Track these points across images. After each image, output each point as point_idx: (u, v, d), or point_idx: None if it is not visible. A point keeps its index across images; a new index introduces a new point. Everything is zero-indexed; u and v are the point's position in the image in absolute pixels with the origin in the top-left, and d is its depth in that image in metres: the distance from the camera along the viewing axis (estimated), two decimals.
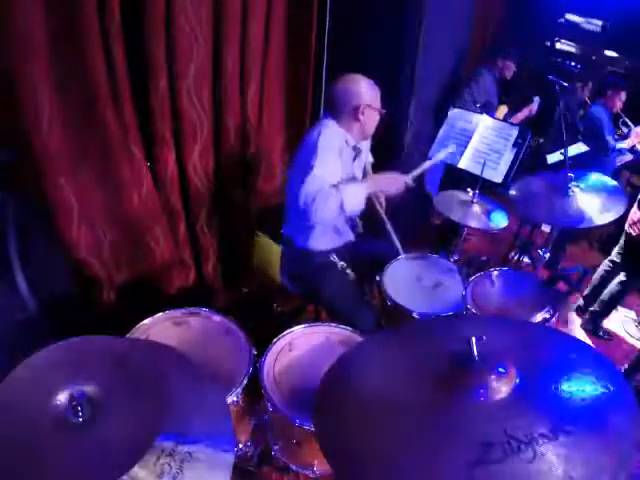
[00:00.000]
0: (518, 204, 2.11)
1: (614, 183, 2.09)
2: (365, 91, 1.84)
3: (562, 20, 4.72)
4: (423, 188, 3.57)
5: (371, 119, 1.90)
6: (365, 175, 2.18)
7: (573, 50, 4.83)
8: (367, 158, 2.19)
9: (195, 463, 0.94)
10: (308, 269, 2.04)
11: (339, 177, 1.79)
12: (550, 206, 2.03)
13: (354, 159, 2.00)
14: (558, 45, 4.87)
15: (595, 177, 2.12)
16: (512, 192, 2.15)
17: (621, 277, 2.79)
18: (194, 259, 2.44)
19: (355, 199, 1.79)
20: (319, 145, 1.75)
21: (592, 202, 2.01)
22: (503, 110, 3.74)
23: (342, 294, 2.00)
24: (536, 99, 3.80)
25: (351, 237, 2.11)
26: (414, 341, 1.15)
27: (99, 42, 1.64)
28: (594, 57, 4.80)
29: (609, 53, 4.78)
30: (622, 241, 2.74)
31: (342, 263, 2.07)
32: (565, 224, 2.14)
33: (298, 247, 2.02)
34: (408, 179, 2.02)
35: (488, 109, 3.24)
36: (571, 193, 2.02)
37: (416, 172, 2.10)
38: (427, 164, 2.19)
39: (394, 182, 1.98)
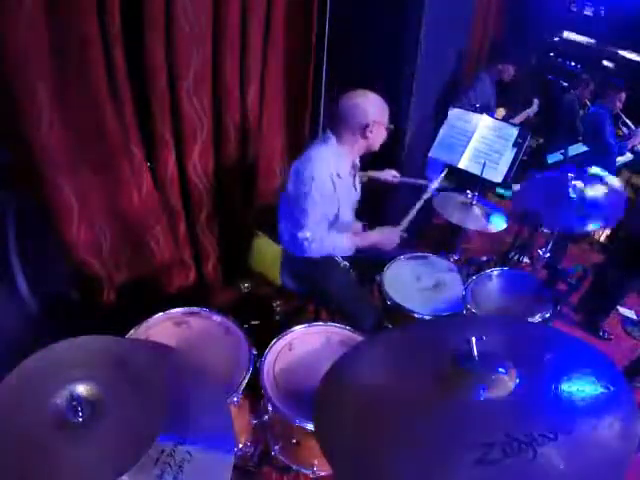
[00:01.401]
0: (517, 207, 2.12)
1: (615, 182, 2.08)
2: (374, 109, 1.83)
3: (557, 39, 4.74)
4: (422, 189, 3.57)
5: (379, 136, 1.90)
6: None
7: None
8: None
9: (195, 463, 0.94)
10: (309, 268, 2.04)
11: (332, 212, 1.92)
12: (551, 210, 2.03)
13: (354, 175, 2.03)
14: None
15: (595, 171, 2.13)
16: (514, 189, 2.15)
17: (621, 277, 2.79)
18: (194, 259, 2.44)
19: (344, 249, 1.98)
20: (313, 187, 1.80)
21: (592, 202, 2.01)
22: (501, 112, 3.74)
23: (344, 292, 2.01)
24: (535, 101, 3.80)
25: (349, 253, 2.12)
26: (414, 341, 1.15)
27: (99, 42, 1.64)
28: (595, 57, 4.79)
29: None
30: (622, 241, 2.74)
31: (344, 262, 2.07)
32: (566, 227, 2.14)
33: (295, 256, 2.04)
34: (401, 230, 2.06)
35: (486, 110, 3.24)
36: (572, 194, 2.02)
37: (407, 218, 2.11)
38: (418, 206, 2.18)
39: (387, 239, 2.04)
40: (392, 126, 1.93)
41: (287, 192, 1.95)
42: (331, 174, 1.84)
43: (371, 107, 1.82)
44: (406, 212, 2.16)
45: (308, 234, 1.85)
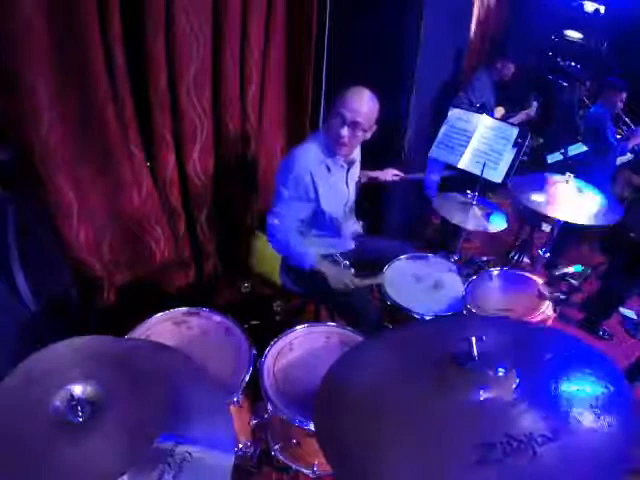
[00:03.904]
0: (516, 202, 2.11)
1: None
2: (344, 98, 1.78)
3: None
4: (422, 189, 3.58)
5: (333, 124, 1.82)
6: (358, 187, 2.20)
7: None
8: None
9: (195, 463, 0.94)
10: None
11: (311, 206, 1.92)
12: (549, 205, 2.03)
13: (347, 171, 2.03)
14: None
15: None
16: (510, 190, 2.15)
17: (623, 281, 2.78)
18: (194, 259, 2.44)
19: (301, 255, 1.91)
20: (289, 177, 1.82)
21: (590, 202, 2.02)
22: (500, 112, 3.74)
23: (344, 292, 2.00)
24: (534, 103, 3.80)
25: (348, 246, 2.12)
26: (414, 341, 1.15)
27: (99, 42, 1.64)
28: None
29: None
30: (622, 243, 2.74)
31: (344, 261, 2.07)
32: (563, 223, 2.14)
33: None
34: (351, 279, 1.90)
35: (486, 110, 3.25)
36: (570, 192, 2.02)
37: (365, 282, 1.94)
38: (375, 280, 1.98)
39: (337, 278, 1.90)
40: (346, 124, 1.80)
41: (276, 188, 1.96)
42: (310, 168, 1.85)
43: (343, 97, 1.78)
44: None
45: (276, 221, 1.88)
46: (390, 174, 2.34)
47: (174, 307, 1.68)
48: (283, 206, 1.87)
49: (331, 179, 1.94)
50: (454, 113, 2.94)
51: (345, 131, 1.81)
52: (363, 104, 1.79)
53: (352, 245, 2.13)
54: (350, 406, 0.97)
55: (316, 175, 1.87)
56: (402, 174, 2.36)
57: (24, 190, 1.73)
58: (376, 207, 2.98)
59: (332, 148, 1.90)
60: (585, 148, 3.44)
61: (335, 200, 2.01)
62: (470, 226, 2.17)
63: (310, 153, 1.87)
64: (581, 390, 0.86)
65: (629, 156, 3.76)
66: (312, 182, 1.87)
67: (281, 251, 1.99)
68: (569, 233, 3.12)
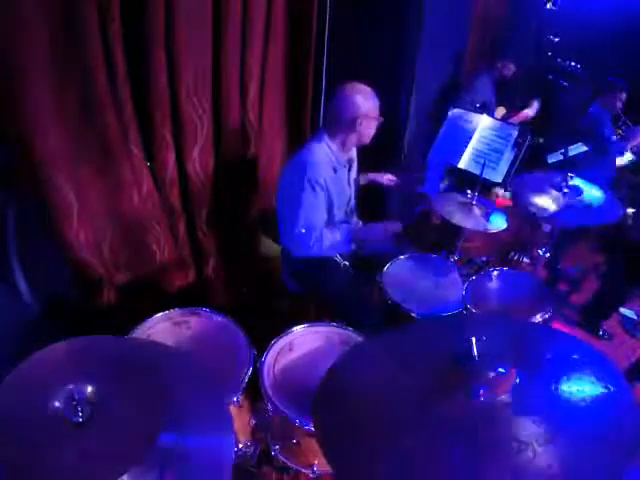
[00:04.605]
0: (517, 201, 2.11)
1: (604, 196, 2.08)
2: (363, 101, 1.83)
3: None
4: (422, 189, 3.58)
5: (368, 129, 1.91)
6: (357, 186, 2.21)
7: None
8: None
9: (195, 463, 0.94)
10: (309, 268, 2.04)
11: (325, 208, 1.93)
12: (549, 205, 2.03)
13: (349, 170, 2.06)
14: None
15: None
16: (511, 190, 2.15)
17: (624, 283, 2.79)
18: (194, 259, 2.44)
19: (343, 243, 1.97)
20: (305, 184, 1.82)
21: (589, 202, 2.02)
22: (501, 111, 3.74)
23: (344, 292, 2.00)
24: (535, 103, 3.80)
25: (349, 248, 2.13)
26: (414, 341, 1.15)
27: (99, 42, 1.64)
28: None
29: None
30: (623, 244, 2.75)
31: (344, 262, 2.07)
32: (564, 223, 2.14)
33: (295, 256, 2.04)
34: (398, 228, 2.04)
35: (486, 110, 3.25)
36: (570, 192, 2.02)
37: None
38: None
39: (382, 233, 2.04)
40: (382, 119, 1.92)
41: (281, 191, 1.96)
42: (322, 171, 1.86)
43: (359, 100, 1.83)
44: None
45: (304, 230, 1.86)
46: (386, 178, 2.35)
47: (174, 307, 1.68)
48: (305, 212, 1.86)
49: (337, 179, 1.95)
50: (454, 113, 2.95)
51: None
52: (376, 98, 1.88)
53: (353, 246, 2.13)
54: (350, 406, 0.98)
55: (327, 176, 1.88)
56: (396, 179, 2.37)
57: (24, 190, 1.73)
58: (376, 207, 2.99)
59: (347, 148, 1.96)
60: (585, 148, 3.44)
61: (341, 200, 2.02)
62: (470, 226, 2.17)
63: (319, 155, 1.88)
64: (581, 390, 0.86)
65: (628, 156, 3.76)
66: (325, 183, 1.88)
67: (320, 253, 1.97)
68: (569, 233, 3.13)
